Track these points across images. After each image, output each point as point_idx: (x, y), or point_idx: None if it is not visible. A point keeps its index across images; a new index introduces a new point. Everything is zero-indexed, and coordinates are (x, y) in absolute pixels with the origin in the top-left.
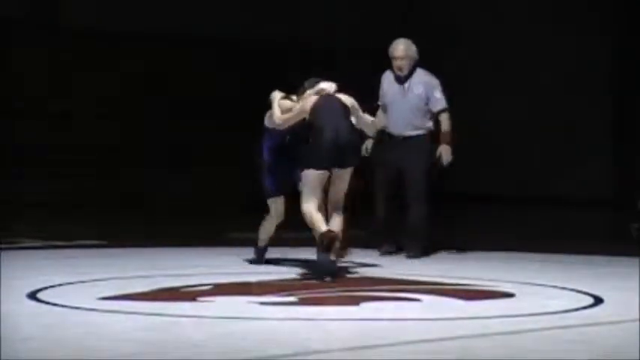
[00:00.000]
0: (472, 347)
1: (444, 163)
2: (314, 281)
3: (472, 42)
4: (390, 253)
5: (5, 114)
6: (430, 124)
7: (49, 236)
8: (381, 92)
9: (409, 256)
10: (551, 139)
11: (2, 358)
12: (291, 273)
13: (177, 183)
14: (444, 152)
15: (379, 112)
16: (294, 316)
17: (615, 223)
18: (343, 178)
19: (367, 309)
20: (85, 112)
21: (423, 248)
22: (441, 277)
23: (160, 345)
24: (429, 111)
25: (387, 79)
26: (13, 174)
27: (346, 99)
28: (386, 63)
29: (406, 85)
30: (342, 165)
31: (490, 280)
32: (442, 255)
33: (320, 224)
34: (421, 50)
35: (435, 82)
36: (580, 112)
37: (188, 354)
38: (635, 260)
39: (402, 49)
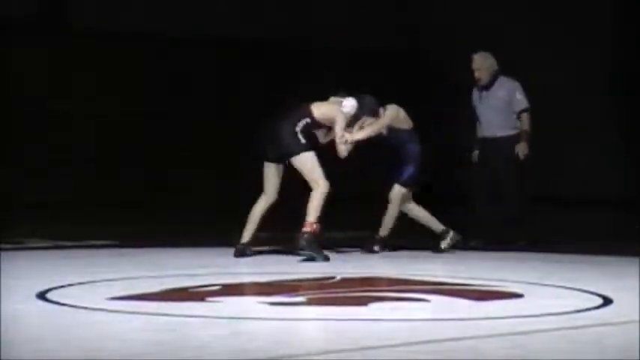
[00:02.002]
0: (482, 347)
1: (521, 158)
2: (322, 281)
3: (477, 42)
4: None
5: (5, 114)
6: (518, 124)
7: (57, 236)
8: (472, 104)
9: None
10: (559, 139)
11: (11, 358)
12: (300, 273)
13: (177, 183)
14: (521, 149)
15: (477, 123)
16: (303, 317)
17: (625, 223)
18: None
19: (376, 309)
20: (86, 112)
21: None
22: (449, 277)
23: (168, 345)
24: (514, 112)
25: (475, 91)
26: (13, 174)
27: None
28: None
29: (489, 92)
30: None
31: (498, 280)
32: (447, 255)
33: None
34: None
35: (515, 84)
36: (589, 111)
37: (197, 354)
38: None
39: (477, 61)
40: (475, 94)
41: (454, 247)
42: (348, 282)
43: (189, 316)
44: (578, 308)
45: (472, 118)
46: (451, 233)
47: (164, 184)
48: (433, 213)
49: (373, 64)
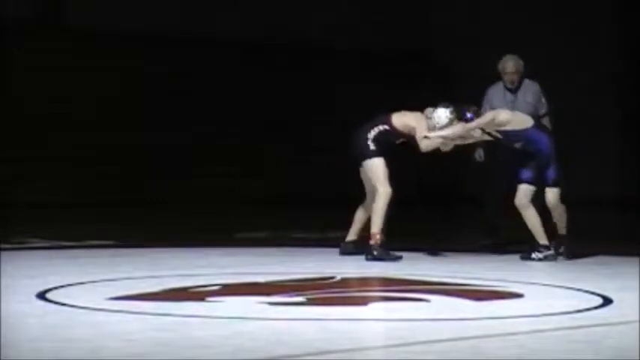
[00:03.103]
0: (483, 347)
1: None
2: (321, 281)
3: (474, 43)
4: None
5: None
6: None
7: (57, 236)
8: (486, 104)
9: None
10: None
11: (11, 358)
12: (300, 273)
13: (178, 182)
14: None
15: None
16: (303, 317)
17: (623, 223)
18: None
19: (375, 309)
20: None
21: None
22: (448, 277)
23: (169, 345)
24: (538, 115)
25: (497, 92)
26: (14, 174)
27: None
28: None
29: (517, 94)
30: None
31: (498, 280)
32: (447, 255)
33: None
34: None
35: (538, 87)
36: (587, 111)
37: (197, 354)
38: None
39: (512, 64)
40: (503, 95)
41: (544, 259)
42: (347, 282)
43: (189, 316)
44: (578, 308)
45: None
46: (550, 250)
47: (164, 183)
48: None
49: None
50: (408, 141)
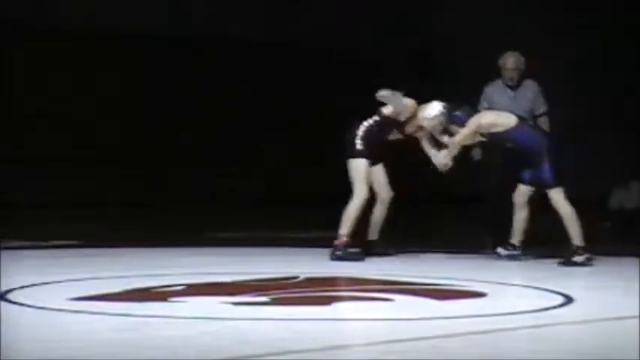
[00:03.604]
0: (444, 347)
1: None
2: (285, 281)
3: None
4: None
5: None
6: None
7: (25, 236)
8: (484, 102)
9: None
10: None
11: None
12: (264, 273)
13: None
14: None
15: None
16: (267, 317)
17: (587, 222)
18: None
19: (339, 309)
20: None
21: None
22: (414, 277)
23: (131, 346)
24: (534, 114)
25: (496, 89)
26: None
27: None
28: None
29: (517, 91)
30: None
31: (463, 279)
32: (414, 255)
33: None
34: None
35: (539, 88)
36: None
37: (160, 354)
38: (606, 259)
39: (512, 61)
40: (502, 92)
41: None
42: (311, 282)
43: (152, 317)
44: (540, 307)
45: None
46: (516, 251)
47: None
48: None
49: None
50: (398, 130)
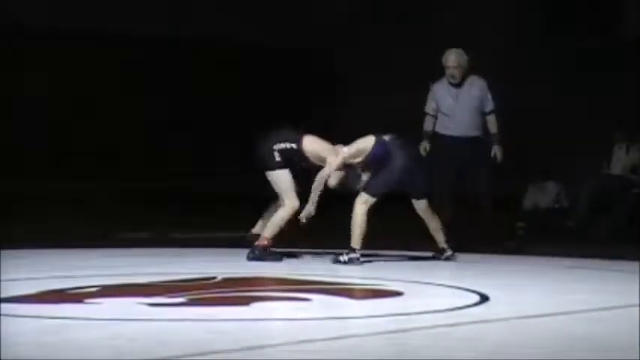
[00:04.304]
0: (360, 346)
1: (499, 160)
2: (202, 282)
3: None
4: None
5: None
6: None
7: None
8: (431, 101)
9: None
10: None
11: None
12: (181, 274)
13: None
14: (499, 151)
15: (427, 119)
16: (184, 317)
17: (503, 221)
18: None
19: (257, 309)
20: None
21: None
22: (331, 276)
23: (46, 348)
24: (482, 112)
25: (441, 87)
26: None
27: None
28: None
29: (462, 89)
30: None
31: (380, 279)
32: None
33: None
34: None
35: (485, 83)
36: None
37: (76, 356)
38: (521, 258)
39: (453, 59)
40: (447, 91)
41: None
42: (229, 282)
43: (67, 318)
44: (455, 306)
45: (426, 112)
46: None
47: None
48: None
49: None
50: (310, 168)
